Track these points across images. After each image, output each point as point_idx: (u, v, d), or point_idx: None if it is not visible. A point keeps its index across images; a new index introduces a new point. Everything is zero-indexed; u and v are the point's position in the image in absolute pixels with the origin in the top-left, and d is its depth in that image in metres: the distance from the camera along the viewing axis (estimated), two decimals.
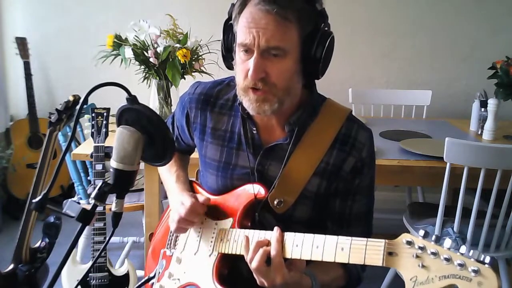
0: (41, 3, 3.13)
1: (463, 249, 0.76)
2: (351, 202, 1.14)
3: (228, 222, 1.13)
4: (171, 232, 1.28)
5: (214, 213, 1.18)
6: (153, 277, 1.26)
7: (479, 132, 2.39)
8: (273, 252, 0.97)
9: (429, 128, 2.46)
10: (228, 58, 1.12)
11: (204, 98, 1.21)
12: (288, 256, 0.98)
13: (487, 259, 0.74)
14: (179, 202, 1.16)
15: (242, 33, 1.00)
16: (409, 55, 3.14)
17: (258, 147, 1.14)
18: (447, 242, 0.78)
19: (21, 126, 3.03)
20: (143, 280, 1.30)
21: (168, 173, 1.33)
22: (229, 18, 1.08)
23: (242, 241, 1.05)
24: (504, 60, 2.31)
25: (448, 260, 0.76)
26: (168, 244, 1.27)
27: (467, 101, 2.74)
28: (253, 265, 0.98)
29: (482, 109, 2.38)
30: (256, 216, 1.13)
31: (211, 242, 1.14)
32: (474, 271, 0.73)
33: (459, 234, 1.90)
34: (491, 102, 2.26)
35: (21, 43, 2.93)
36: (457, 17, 3.08)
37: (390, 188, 3.12)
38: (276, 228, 1.00)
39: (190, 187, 1.29)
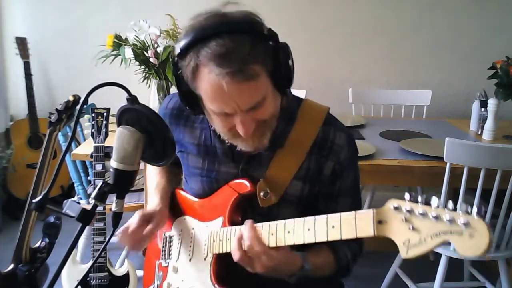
0: (41, 3, 3.13)
1: (450, 204, 0.74)
2: (335, 205, 1.13)
3: (219, 221, 1.12)
4: (163, 242, 1.27)
5: (204, 215, 1.17)
6: None
7: (479, 132, 2.38)
8: (247, 242, 0.97)
9: (429, 128, 2.46)
10: (194, 109, 1.04)
11: (177, 112, 1.20)
12: (281, 243, 0.97)
13: (475, 210, 0.72)
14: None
15: (217, 105, 0.95)
16: (409, 55, 3.14)
17: (238, 156, 1.13)
18: (434, 200, 0.77)
19: (21, 126, 3.03)
20: None
21: (150, 182, 1.31)
22: (177, 70, 0.99)
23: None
24: (504, 60, 2.31)
25: (436, 218, 0.74)
26: (162, 255, 1.26)
27: (467, 101, 2.74)
28: (235, 259, 0.99)
29: (482, 109, 2.38)
30: (243, 214, 1.12)
31: (204, 245, 1.13)
32: (464, 224, 0.71)
33: None
34: (491, 102, 2.26)
35: (21, 43, 2.93)
36: (457, 17, 3.08)
37: (390, 188, 3.11)
38: (247, 220, 1.00)
39: (176, 196, 1.28)
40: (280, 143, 1.10)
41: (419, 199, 0.78)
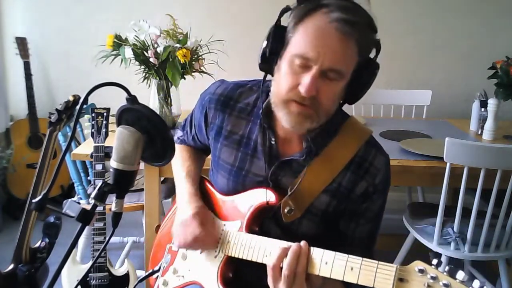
0: (41, 3, 3.13)
1: (476, 283, 0.74)
2: (355, 225, 1.13)
3: (236, 224, 1.12)
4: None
5: (223, 213, 1.17)
6: (158, 270, 1.26)
7: (479, 132, 2.39)
8: (300, 267, 0.94)
9: (429, 128, 2.46)
10: (269, 61, 1.03)
11: (224, 99, 1.19)
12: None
13: None
14: (186, 227, 1.14)
15: (305, 45, 0.95)
16: (409, 55, 3.14)
17: (274, 157, 1.12)
18: (460, 274, 0.77)
19: (21, 126, 3.03)
20: (148, 273, 1.29)
21: (181, 167, 1.30)
22: (281, 17, 1.01)
23: (252, 248, 1.04)
24: (504, 60, 2.31)
25: None
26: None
27: (467, 101, 2.74)
28: (285, 272, 0.94)
29: (482, 109, 2.38)
30: (261, 225, 1.12)
31: (218, 243, 1.13)
32: None
33: (459, 234, 1.90)
34: (491, 102, 2.26)
35: (21, 43, 2.93)
36: (457, 17, 3.08)
37: (390, 188, 3.10)
38: (303, 242, 0.97)
39: (201, 185, 1.28)
40: (316, 153, 1.09)
41: (446, 268, 0.78)
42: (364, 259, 0.88)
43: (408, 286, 0.81)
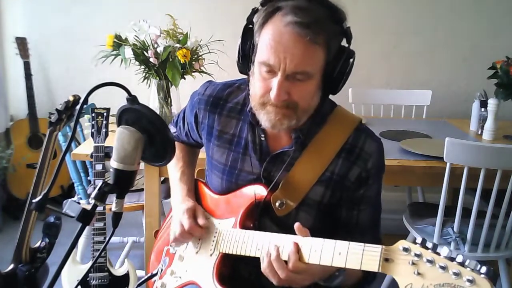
0: (41, 3, 3.13)
1: (459, 258, 0.76)
2: (357, 212, 1.13)
3: (230, 221, 1.13)
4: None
5: (217, 212, 1.18)
6: (156, 274, 1.27)
7: (479, 132, 2.39)
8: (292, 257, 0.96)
9: (429, 128, 2.46)
10: (244, 65, 1.07)
11: (213, 100, 1.20)
12: (286, 258, 0.98)
13: (483, 269, 0.73)
14: (178, 221, 1.16)
15: (266, 51, 0.96)
16: (409, 55, 3.14)
17: (265, 153, 1.14)
18: (444, 250, 0.78)
19: (21, 126, 3.03)
20: (146, 277, 1.30)
21: (174, 167, 1.32)
22: (249, 23, 1.03)
23: (245, 242, 1.05)
24: (504, 60, 2.31)
25: (443, 268, 0.75)
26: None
27: (467, 101, 2.74)
28: (291, 266, 0.96)
29: (482, 109, 2.38)
30: (255, 221, 1.12)
31: (213, 241, 1.14)
32: (469, 280, 0.72)
33: (459, 234, 1.90)
34: (491, 102, 2.26)
35: (21, 43, 2.93)
36: (457, 17, 3.07)
37: (390, 188, 3.11)
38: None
39: (195, 187, 1.29)
40: (305, 143, 1.10)
41: (429, 245, 0.79)
42: (351, 242, 0.90)
43: (393, 265, 0.82)
